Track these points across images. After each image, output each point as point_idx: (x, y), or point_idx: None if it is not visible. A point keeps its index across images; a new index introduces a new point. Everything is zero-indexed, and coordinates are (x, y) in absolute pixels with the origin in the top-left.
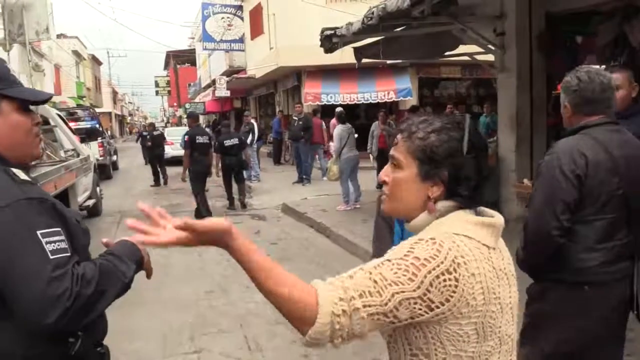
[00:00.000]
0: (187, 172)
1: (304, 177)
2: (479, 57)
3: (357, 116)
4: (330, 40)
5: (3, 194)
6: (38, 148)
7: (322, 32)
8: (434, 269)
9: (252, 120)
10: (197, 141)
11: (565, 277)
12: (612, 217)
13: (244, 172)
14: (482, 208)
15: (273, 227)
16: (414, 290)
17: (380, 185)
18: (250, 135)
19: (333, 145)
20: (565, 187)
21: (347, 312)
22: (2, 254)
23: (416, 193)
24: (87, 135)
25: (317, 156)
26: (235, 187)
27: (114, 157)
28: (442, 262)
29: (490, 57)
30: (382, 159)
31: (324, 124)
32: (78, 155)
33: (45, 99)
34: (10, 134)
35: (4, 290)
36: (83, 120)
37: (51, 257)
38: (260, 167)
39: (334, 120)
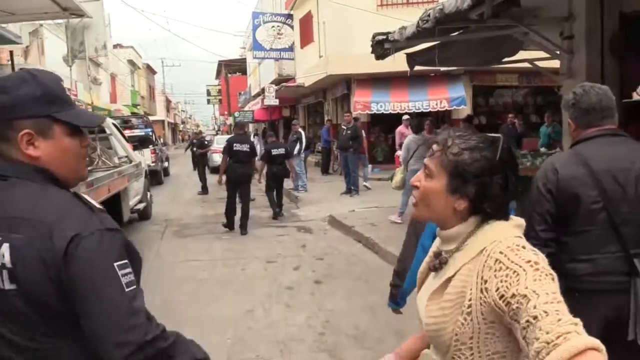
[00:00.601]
0: (222, 176)
1: (352, 188)
2: (541, 64)
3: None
4: (382, 46)
5: (86, 222)
6: (85, 170)
7: (374, 37)
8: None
9: (300, 129)
10: (234, 148)
11: (561, 284)
12: (596, 230)
13: (292, 183)
14: None
15: (319, 241)
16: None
17: None
18: (298, 144)
19: (401, 154)
20: (539, 200)
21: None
22: (83, 281)
23: (443, 203)
24: (139, 143)
25: (362, 165)
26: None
27: (165, 164)
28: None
29: (552, 64)
30: None
31: (363, 133)
32: (130, 162)
33: (97, 125)
34: (61, 157)
35: (80, 314)
36: (137, 128)
37: (126, 289)
38: (308, 176)
39: (400, 128)
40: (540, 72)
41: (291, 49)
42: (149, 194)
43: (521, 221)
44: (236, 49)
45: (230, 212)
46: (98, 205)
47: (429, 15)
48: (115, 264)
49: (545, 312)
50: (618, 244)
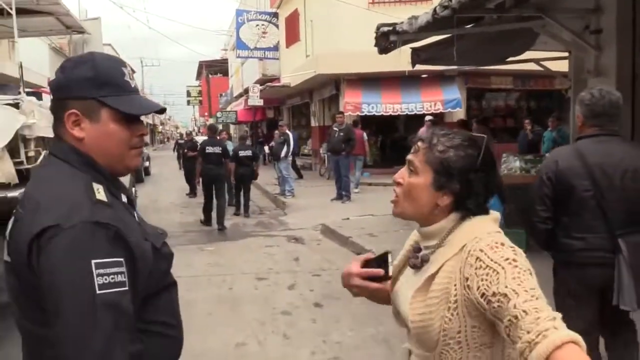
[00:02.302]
0: (198, 177)
1: (344, 193)
2: (547, 65)
3: (396, 128)
4: (387, 38)
5: (72, 211)
6: (135, 160)
7: (378, 28)
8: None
9: (287, 131)
10: (207, 151)
11: (558, 257)
12: (588, 213)
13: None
14: None
15: (313, 254)
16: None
17: None
18: (285, 146)
19: None
20: (540, 186)
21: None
22: (47, 278)
23: (427, 199)
24: None
25: (354, 168)
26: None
27: (147, 163)
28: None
29: (559, 66)
30: None
31: (365, 135)
32: None
33: (147, 113)
34: (104, 142)
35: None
36: None
37: (98, 291)
38: (295, 181)
39: (423, 130)
40: (535, 75)
41: (276, 48)
42: (134, 189)
43: (497, 215)
44: (218, 50)
45: (207, 210)
46: (102, 197)
47: (450, 1)
48: (94, 261)
49: (525, 311)
50: (605, 226)
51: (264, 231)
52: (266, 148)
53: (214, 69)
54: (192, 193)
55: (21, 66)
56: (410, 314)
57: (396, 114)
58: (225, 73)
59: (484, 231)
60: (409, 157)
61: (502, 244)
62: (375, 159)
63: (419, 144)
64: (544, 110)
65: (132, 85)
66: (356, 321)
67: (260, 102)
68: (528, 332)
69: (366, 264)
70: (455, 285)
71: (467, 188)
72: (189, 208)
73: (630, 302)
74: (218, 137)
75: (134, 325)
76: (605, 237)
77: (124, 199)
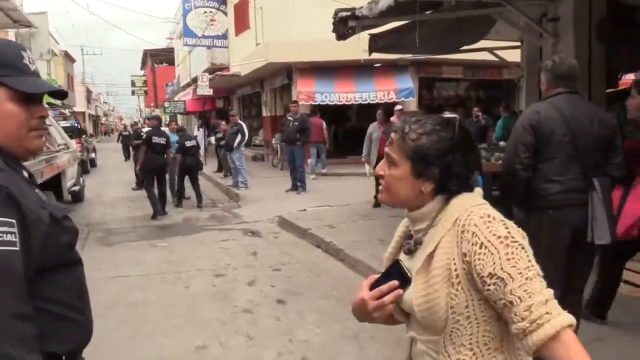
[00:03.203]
0: (139, 167)
1: (299, 184)
2: (500, 54)
3: (348, 118)
4: (345, 24)
5: None
6: (34, 142)
7: (336, 14)
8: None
9: (240, 121)
10: (153, 141)
11: (536, 204)
12: (564, 156)
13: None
14: None
15: (271, 247)
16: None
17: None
18: (239, 136)
19: None
20: (524, 134)
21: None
22: None
23: (410, 188)
24: (72, 133)
25: (310, 156)
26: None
27: (92, 155)
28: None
29: (511, 55)
30: None
31: (324, 123)
32: (68, 148)
33: (42, 92)
34: (1, 124)
35: None
36: (64, 120)
37: None
38: (247, 172)
39: (394, 119)
40: (485, 65)
41: (225, 36)
42: (81, 179)
43: (479, 190)
44: (163, 40)
45: (153, 199)
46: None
47: None
48: None
49: (519, 298)
50: (579, 167)
51: (218, 225)
52: (212, 139)
53: (160, 57)
54: (140, 185)
55: None
56: (413, 297)
57: (350, 103)
58: (171, 62)
59: (472, 203)
60: (386, 149)
61: (494, 218)
62: (328, 149)
63: (392, 135)
64: (493, 99)
65: (32, 69)
66: (322, 317)
67: (209, 92)
68: (522, 319)
69: (374, 285)
70: (454, 260)
71: (446, 171)
72: (136, 202)
73: (605, 235)
74: (167, 128)
75: (25, 291)
76: (579, 178)
77: (25, 174)
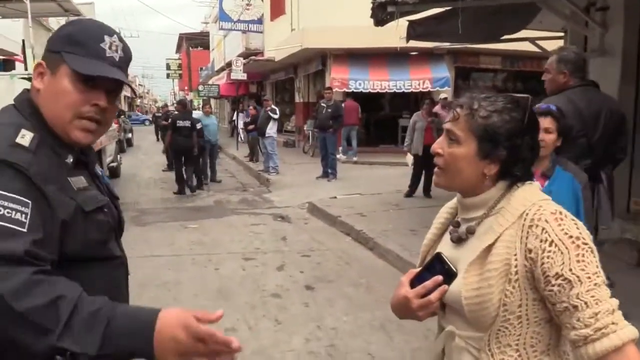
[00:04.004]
0: (168, 149)
1: (330, 171)
2: (542, 44)
3: (381, 107)
4: (384, 9)
5: None
6: (77, 133)
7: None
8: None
9: (274, 106)
10: (178, 124)
11: None
12: (578, 150)
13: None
14: None
15: (301, 233)
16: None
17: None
18: (271, 122)
19: None
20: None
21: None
22: None
23: (473, 170)
24: None
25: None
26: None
27: (129, 135)
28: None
29: (553, 46)
30: (427, 159)
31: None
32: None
33: (95, 74)
34: (53, 98)
35: None
36: None
37: None
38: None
39: (437, 108)
40: (524, 56)
41: (260, 21)
42: (119, 156)
43: (537, 183)
44: (198, 23)
45: (179, 178)
46: (23, 142)
47: None
48: None
49: (586, 303)
50: (590, 158)
51: (248, 209)
52: (241, 123)
53: (195, 41)
54: (170, 167)
55: None
56: (463, 290)
57: (384, 91)
58: (206, 46)
59: (539, 198)
60: (447, 125)
61: (565, 215)
62: (360, 138)
63: (458, 110)
64: (531, 91)
65: (108, 54)
66: (350, 306)
67: (243, 76)
68: (586, 326)
69: (415, 280)
70: (515, 255)
71: (514, 154)
72: (169, 183)
73: (607, 220)
74: (200, 112)
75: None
76: (588, 169)
77: (69, 160)
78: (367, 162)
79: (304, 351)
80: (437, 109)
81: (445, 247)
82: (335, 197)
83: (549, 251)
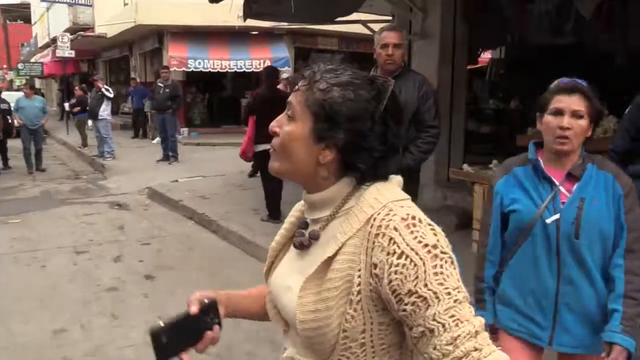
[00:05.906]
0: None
1: (171, 154)
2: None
3: (224, 87)
4: None
5: None
6: None
7: None
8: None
9: (107, 86)
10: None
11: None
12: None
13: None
14: None
15: (140, 220)
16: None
17: (251, 174)
18: (105, 103)
19: None
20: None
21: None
22: None
23: (305, 153)
24: None
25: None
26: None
27: None
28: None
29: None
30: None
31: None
32: None
33: None
34: None
35: None
36: None
37: None
38: (115, 141)
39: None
40: (359, 38)
41: None
42: None
43: (399, 178)
44: None
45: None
46: None
47: None
48: None
49: (444, 326)
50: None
51: (81, 198)
52: (66, 105)
53: (13, 14)
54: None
55: None
56: (299, 311)
57: (224, 70)
58: (27, 20)
59: (392, 198)
60: (289, 98)
61: (420, 220)
62: (202, 118)
63: (300, 82)
64: (366, 71)
65: None
66: (194, 291)
67: (71, 54)
68: (444, 356)
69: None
70: (359, 270)
71: (355, 140)
72: None
73: None
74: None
75: None
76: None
77: None
78: (209, 143)
79: (144, 344)
80: (279, 87)
81: (290, 255)
82: (177, 181)
83: (398, 265)
